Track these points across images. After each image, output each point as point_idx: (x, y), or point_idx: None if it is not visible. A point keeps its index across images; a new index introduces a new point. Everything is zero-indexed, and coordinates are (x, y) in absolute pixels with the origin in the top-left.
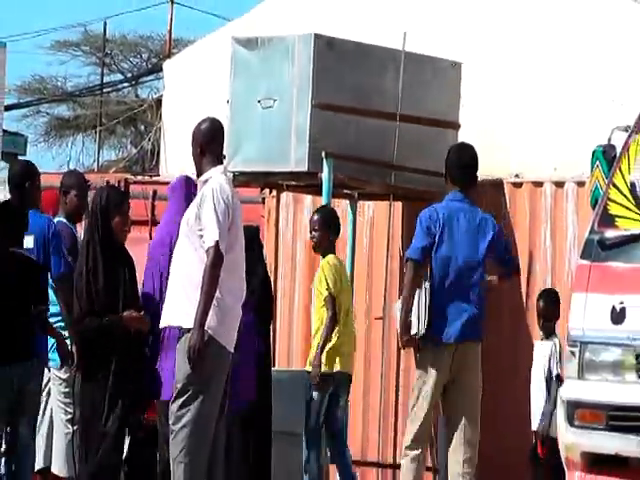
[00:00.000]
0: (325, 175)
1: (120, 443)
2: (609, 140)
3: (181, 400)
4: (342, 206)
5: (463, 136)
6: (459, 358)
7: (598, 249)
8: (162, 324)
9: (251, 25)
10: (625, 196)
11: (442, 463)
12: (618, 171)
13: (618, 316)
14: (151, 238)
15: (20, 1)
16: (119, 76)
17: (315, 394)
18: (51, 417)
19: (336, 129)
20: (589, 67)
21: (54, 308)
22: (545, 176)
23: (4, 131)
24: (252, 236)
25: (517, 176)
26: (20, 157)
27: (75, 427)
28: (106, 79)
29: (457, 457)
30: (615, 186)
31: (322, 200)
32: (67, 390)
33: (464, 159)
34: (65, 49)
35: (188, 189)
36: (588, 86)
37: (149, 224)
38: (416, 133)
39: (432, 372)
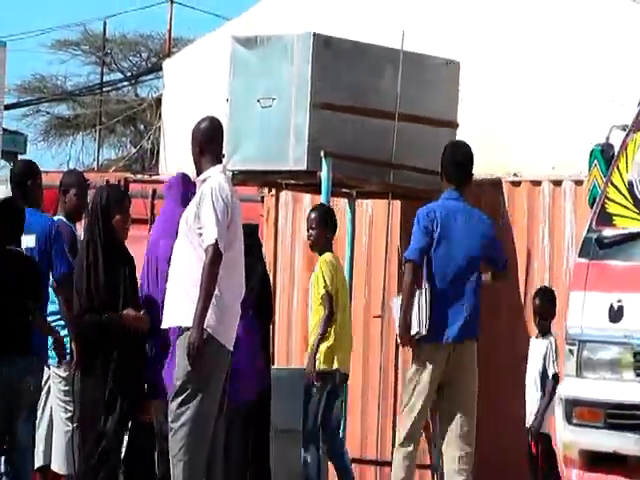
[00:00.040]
0: (324, 174)
1: (119, 442)
2: (607, 139)
3: (180, 398)
4: (341, 205)
5: (461, 135)
6: (456, 357)
7: (596, 247)
8: (164, 325)
9: (250, 24)
10: (623, 195)
11: (437, 462)
12: (616, 170)
13: (616, 314)
14: None
15: (20, 0)
16: (119, 75)
17: (314, 392)
18: (51, 415)
19: (335, 128)
20: (587, 66)
21: (53, 307)
22: (543, 175)
23: (4, 130)
24: (251, 235)
25: (515, 175)
26: (20, 156)
27: (75, 425)
28: (106, 78)
29: (453, 453)
30: (613, 185)
31: (321, 199)
32: (67, 388)
33: (459, 157)
34: (65, 48)
35: (185, 187)
36: (586, 85)
37: (148, 223)
38: (414, 132)
39: (428, 369)
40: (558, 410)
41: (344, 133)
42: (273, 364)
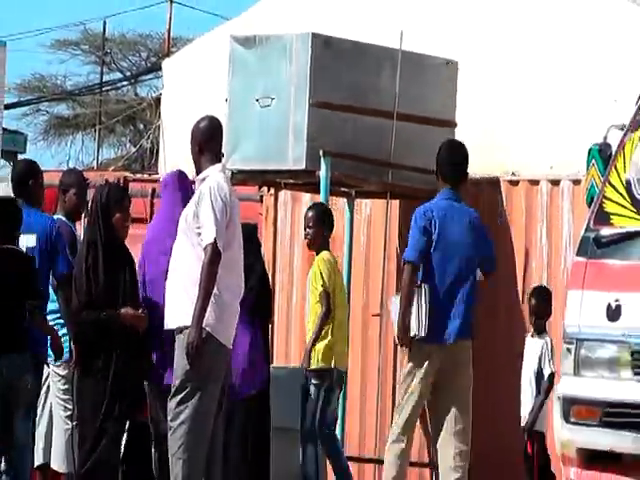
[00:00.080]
0: (323, 173)
1: (119, 441)
2: (605, 138)
3: (179, 397)
4: (339, 204)
5: (460, 134)
6: (451, 357)
7: (594, 246)
8: (165, 325)
9: (249, 24)
10: (621, 194)
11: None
12: (614, 169)
13: (614, 313)
14: None
15: (20, 0)
16: (118, 75)
17: (312, 390)
18: (50, 413)
19: (333, 127)
20: (585, 66)
21: (53, 305)
22: (541, 174)
23: (4, 129)
24: (250, 234)
25: (513, 174)
26: (20, 155)
27: (74, 424)
28: (105, 78)
29: (448, 451)
30: (611, 184)
31: (320, 198)
32: (66, 387)
33: (454, 156)
34: (65, 48)
35: (181, 183)
36: (584, 85)
37: (148, 222)
38: (413, 131)
39: (423, 369)
40: (556, 409)
41: (343, 132)
42: (272, 363)
